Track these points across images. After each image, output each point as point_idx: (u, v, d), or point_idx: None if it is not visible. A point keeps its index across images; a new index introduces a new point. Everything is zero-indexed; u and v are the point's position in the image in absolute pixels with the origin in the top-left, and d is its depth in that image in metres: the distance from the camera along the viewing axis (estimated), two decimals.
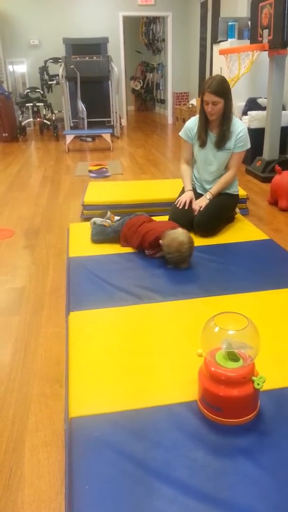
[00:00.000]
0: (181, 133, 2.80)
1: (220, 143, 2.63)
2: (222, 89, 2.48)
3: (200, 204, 2.66)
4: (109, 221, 2.68)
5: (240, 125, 2.64)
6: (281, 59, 4.05)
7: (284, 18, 3.65)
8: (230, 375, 1.20)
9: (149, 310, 1.85)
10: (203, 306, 1.85)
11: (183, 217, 2.63)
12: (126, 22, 8.66)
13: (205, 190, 2.78)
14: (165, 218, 2.71)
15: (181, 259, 2.19)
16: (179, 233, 2.21)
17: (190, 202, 2.70)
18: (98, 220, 2.67)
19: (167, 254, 2.21)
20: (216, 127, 2.65)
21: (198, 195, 2.77)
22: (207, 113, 2.57)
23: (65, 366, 1.62)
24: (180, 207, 2.70)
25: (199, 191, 2.84)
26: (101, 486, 1.06)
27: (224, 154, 2.66)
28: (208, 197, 2.68)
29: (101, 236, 2.54)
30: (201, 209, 2.63)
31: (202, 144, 2.70)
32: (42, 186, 4.45)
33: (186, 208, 2.68)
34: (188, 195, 2.73)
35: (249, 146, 2.68)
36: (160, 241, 2.24)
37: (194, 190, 2.84)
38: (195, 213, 2.63)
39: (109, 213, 2.77)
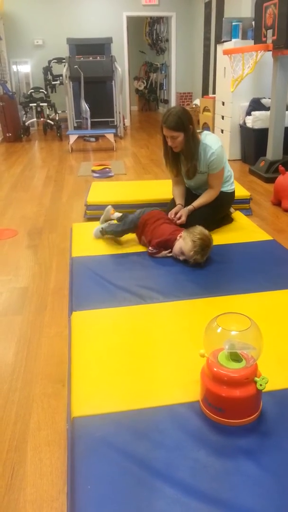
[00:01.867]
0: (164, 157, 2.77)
1: (191, 175, 2.61)
2: (179, 122, 2.39)
3: (181, 214, 2.58)
4: (113, 216, 2.68)
5: (211, 148, 2.51)
6: (285, 60, 4.04)
7: None
8: (233, 376, 1.20)
9: (152, 310, 1.85)
10: (205, 307, 1.85)
11: None
12: (130, 22, 8.67)
13: (199, 192, 2.80)
14: None
15: (206, 249, 2.22)
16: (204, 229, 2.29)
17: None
18: (104, 225, 2.65)
19: (196, 240, 2.21)
20: (184, 158, 2.58)
21: (195, 196, 2.78)
22: (171, 146, 2.52)
23: (67, 366, 1.63)
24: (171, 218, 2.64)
25: (194, 192, 2.85)
26: (103, 486, 1.06)
27: (200, 176, 2.64)
28: (188, 208, 2.63)
29: (124, 226, 2.51)
30: (179, 220, 2.57)
31: (177, 175, 2.71)
32: (45, 186, 4.46)
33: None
34: (177, 207, 2.68)
35: (222, 166, 2.61)
36: (183, 233, 2.29)
37: (189, 191, 2.84)
38: (176, 222, 2.57)
39: (109, 206, 2.75)
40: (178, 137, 2.44)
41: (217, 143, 2.55)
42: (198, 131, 2.58)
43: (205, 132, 2.61)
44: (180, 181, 2.82)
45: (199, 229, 2.27)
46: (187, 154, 2.52)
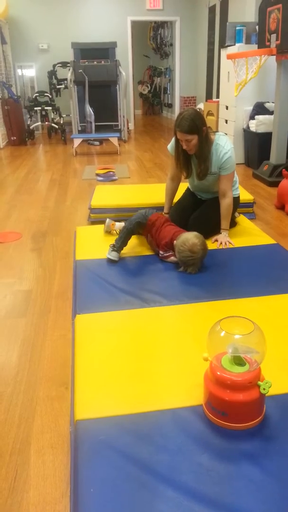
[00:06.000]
0: (169, 147, 2.71)
1: (202, 176, 2.59)
2: (192, 125, 2.39)
3: (223, 240, 2.58)
4: (114, 228, 2.69)
5: (224, 148, 2.51)
6: None
7: None
8: (236, 380, 1.20)
9: (155, 313, 1.85)
10: (209, 310, 1.85)
11: (181, 220, 2.64)
12: (134, 26, 8.70)
13: (203, 197, 2.80)
14: None
15: (192, 260, 2.20)
16: (193, 235, 2.25)
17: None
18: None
19: (179, 253, 2.22)
20: (197, 159, 2.57)
21: (199, 201, 2.78)
22: (185, 149, 2.51)
23: (71, 369, 1.63)
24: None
25: (199, 197, 2.85)
26: (106, 489, 1.07)
27: (211, 177, 2.63)
28: (226, 234, 2.62)
29: (130, 225, 2.49)
30: (227, 244, 2.56)
31: (188, 176, 2.69)
32: (49, 189, 4.48)
33: None
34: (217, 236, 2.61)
35: (234, 168, 2.59)
36: (174, 241, 2.28)
37: (194, 196, 2.85)
38: (225, 246, 2.56)
39: (108, 220, 2.74)
40: (192, 140, 2.44)
41: (230, 144, 2.56)
42: (212, 131, 2.59)
43: (219, 133, 2.61)
44: (176, 176, 2.78)
45: (190, 243, 2.20)
46: (201, 155, 2.52)
